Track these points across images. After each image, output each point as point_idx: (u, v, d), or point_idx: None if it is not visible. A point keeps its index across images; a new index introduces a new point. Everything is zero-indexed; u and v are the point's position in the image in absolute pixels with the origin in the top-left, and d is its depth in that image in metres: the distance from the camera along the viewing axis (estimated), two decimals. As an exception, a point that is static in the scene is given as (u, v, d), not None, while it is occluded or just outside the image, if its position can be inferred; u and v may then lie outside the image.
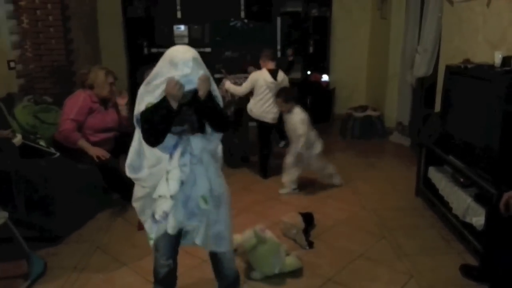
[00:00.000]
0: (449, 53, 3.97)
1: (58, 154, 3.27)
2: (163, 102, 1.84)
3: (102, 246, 3.03)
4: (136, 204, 2.09)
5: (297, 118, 3.77)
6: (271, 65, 4.25)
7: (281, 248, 2.65)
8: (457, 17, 3.81)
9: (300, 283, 2.59)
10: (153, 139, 1.88)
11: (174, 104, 1.84)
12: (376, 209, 3.57)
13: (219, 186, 2.06)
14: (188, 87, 1.85)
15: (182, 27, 6.24)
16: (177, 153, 1.92)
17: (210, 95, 1.92)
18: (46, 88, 4.65)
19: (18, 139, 3.13)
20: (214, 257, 2.20)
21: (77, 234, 3.20)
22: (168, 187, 1.90)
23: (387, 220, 3.36)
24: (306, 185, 4.11)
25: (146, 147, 1.92)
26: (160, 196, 1.93)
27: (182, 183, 1.92)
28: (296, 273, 2.65)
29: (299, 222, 3.07)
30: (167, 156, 1.92)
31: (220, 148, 2.13)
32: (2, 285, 2.57)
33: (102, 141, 3.53)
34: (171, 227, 1.95)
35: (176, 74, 1.82)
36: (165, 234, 1.99)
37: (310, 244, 2.96)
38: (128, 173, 2.01)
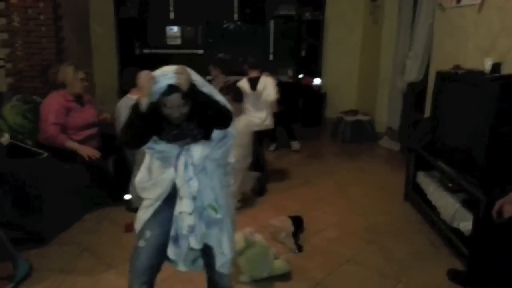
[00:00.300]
0: (440, 58, 4.00)
1: (46, 154, 3.23)
2: (134, 105, 1.74)
3: (89, 248, 3.00)
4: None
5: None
6: (254, 73, 4.26)
7: (270, 252, 2.64)
8: (449, 23, 3.84)
9: (289, 287, 2.59)
10: (129, 141, 1.85)
11: (145, 101, 1.70)
12: (365, 213, 3.58)
13: (221, 198, 1.93)
14: (164, 82, 1.71)
15: (175, 28, 6.23)
16: (180, 166, 1.84)
17: (193, 89, 1.76)
18: (35, 87, 4.60)
19: (5, 139, 3.10)
20: (211, 279, 2.04)
21: (63, 235, 3.16)
22: (183, 205, 1.84)
23: (376, 225, 3.37)
24: (297, 188, 4.11)
25: (155, 161, 1.90)
26: (181, 213, 1.86)
27: (194, 198, 1.85)
28: (284, 276, 2.64)
29: (289, 225, 3.07)
30: (171, 167, 1.86)
31: (231, 156, 2.04)
32: (-14, 286, 2.53)
33: (87, 138, 3.52)
34: (196, 242, 1.87)
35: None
36: (146, 249, 1.88)
37: (299, 248, 2.96)
38: (140, 191, 1.98)
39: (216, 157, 1.92)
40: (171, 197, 1.90)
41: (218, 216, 1.89)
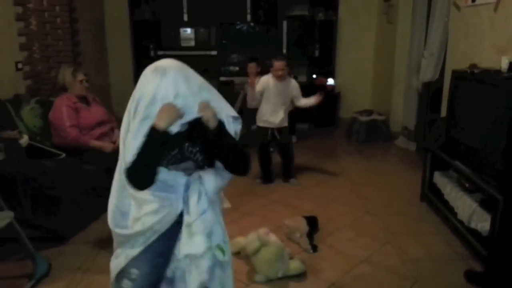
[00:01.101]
0: (456, 58, 3.96)
1: (64, 155, 3.29)
2: (151, 131, 1.50)
3: (107, 248, 3.03)
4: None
5: None
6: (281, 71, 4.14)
7: (284, 252, 2.64)
8: (464, 22, 3.80)
9: (304, 287, 2.59)
10: (145, 179, 1.54)
11: (162, 128, 1.50)
12: (380, 213, 3.56)
13: (227, 236, 1.72)
14: (189, 117, 1.55)
15: (189, 30, 6.27)
16: (193, 198, 1.59)
17: (221, 128, 1.58)
18: (52, 89, 4.67)
19: (24, 140, 3.16)
20: None
21: (81, 235, 3.22)
22: (194, 244, 1.57)
23: (391, 225, 3.35)
24: (311, 188, 4.11)
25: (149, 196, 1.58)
26: (187, 256, 1.59)
27: (209, 234, 1.61)
28: (299, 277, 2.65)
29: (303, 225, 3.07)
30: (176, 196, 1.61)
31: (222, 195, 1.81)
32: (7, 284, 2.58)
33: (100, 136, 3.56)
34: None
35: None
36: None
37: (314, 248, 2.96)
38: (113, 226, 1.67)
39: (223, 185, 1.70)
40: (167, 231, 1.62)
41: (226, 258, 1.66)
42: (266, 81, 4.06)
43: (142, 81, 1.61)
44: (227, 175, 1.68)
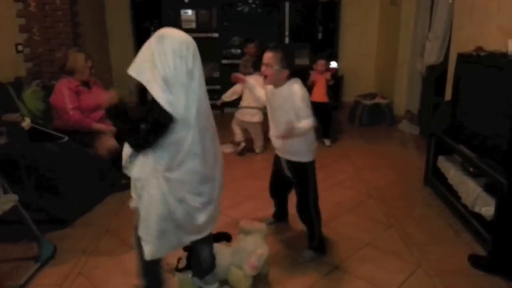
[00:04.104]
0: (461, 40, 3.91)
1: (66, 138, 3.28)
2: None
3: (111, 230, 3.05)
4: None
5: None
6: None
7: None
8: (470, 3, 3.74)
9: (308, 270, 2.59)
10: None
11: None
12: (384, 197, 3.57)
13: None
14: None
15: (190, 11, 6.19)
16: None
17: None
18: (53, 72, 4.63)
19: (27, 123, 3.14)
20: None
21: (86, 217, 3.23)
22: None
23: (395, 209, 3.35)
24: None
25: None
26: None
27: None
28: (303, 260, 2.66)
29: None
30: None
31: None
32: (13, 266, 2.60)
33: (101, 119, 3.56)
34: None
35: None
36: None
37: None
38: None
39: None
40: None
41: None
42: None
43: None
44: None
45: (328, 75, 4.92)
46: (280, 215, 3.08)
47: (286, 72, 2.46)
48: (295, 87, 2.46)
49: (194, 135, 1.84)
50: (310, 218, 2.67)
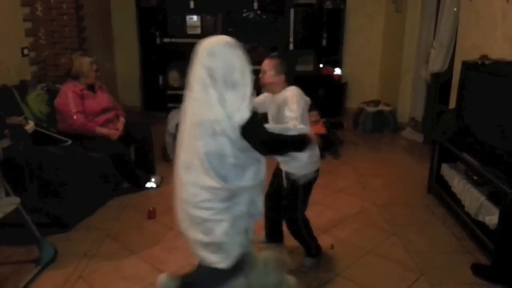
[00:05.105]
0: (466, 48, 3.90)
1: (70, 141, 3.29)
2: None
3: (112, 234, 3.05)
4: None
5: None
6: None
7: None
8: (475, 12, 3.73)
9: (309, 277, 2.58)
10: None
11: None
12: (387, 205, 3.55)
13: None
14: None
15: (195, 17, 6.21)
16: None
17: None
18: (59, 76, 4.66)
19: (30, 126, 3.16)
20: None
21: (87, 221, 3.23)
22: None
23: (398, 217, 3.33)
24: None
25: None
26: None
27: None
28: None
29: None
30: None
31: None
32: (14, 269, 2.60)
33: (105, 123, 3.59)
34: None
35: None
36: None
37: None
38: None
39: None
40: None
41: None
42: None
43: None
44: None
45: (320, 125, 4.74)
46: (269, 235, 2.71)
47: (282, 78, 2.40)
48: (288, 91, 2.37)
49: None
50: (299, 230, 2.57)
